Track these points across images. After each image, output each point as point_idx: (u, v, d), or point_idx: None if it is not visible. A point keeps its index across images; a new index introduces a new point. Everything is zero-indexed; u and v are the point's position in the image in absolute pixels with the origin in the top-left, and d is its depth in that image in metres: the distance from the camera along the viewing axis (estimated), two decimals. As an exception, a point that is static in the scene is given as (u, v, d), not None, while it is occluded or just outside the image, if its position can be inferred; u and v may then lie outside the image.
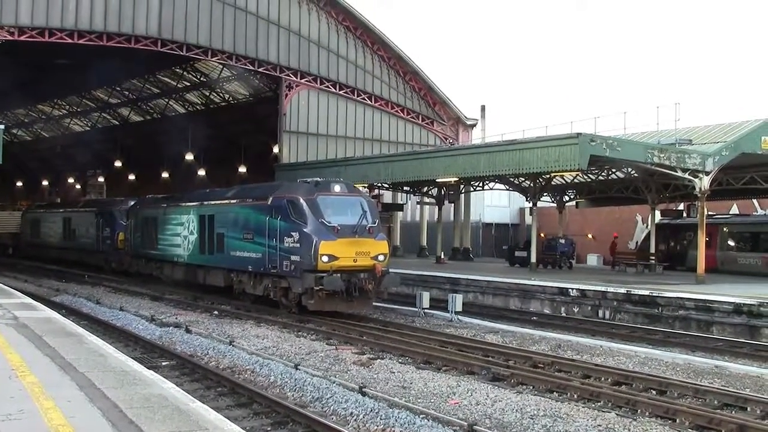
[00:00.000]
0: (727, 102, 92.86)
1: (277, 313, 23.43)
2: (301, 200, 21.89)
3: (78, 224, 44.91)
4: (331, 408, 11.96)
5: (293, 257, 21.52)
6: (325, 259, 20.87)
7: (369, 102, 42.46)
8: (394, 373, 14.89)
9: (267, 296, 23.71)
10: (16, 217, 60.13)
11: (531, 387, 13.86)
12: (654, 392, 13.57)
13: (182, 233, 29.33)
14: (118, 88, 57.24)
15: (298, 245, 21.40)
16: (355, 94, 42.09)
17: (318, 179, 23.34)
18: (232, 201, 26.12)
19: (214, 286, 27.41)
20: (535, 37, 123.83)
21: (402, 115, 43.43)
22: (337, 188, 22.55)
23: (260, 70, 40.09)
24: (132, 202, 38.02)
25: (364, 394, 12.64)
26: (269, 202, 23.04)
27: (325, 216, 21.45)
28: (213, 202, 27.79)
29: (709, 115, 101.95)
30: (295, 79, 40.28)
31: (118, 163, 65.07)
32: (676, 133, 30.09)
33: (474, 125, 46.46)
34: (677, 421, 11.60)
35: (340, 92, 41.65)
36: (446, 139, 44.48)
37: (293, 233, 21.60)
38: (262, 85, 47.18)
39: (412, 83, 43.69)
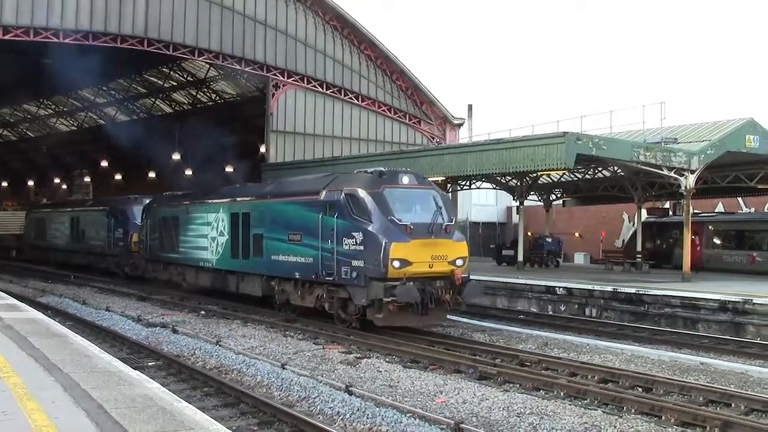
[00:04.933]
0: (713, 101, 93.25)
1: (264, 312, 23.33)
2: (365, 194, 18.49)
3: (87, 224, 41.38)
4: (318, 407, 11.97)
5: (355, 262, 18.13)
6: (396, 264, 17.52)
7: (356, 101, 42.43)
8: (380, 372, 14.91)
9: (318, 309, 20.49)
10: (19, 217, 56.64)
11: (518, 385, 13.91)
12: (640, 389, 13.65)
13: (209, 234, 26.12)
14: (104, 88, 56.99)
15: (361, 248, 18.03)
16: (343, 94, 42.03)
17: (381, 169, 20.01)
18: (273, 196, 22.75)
19: (248, 296, 24.20)
20: (522, 36, 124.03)
21: (389, 114, 43.42)
22: (405, 179, 19.23)
23: (247, 69, 39.98)
24: (147, 200, 34.93)
25: (350, 393, 12.65)
26: (322, 197, 19.68)
27: (394, 212, 18.14)
28: (248, 198, 24.29)
29: (694, 113, 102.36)
30: (282, 78, 40.20)
31: (104, 163, 64.80)
32: (662, 131, 30.21)
33: (461, 124, 46.50)
34: (663, 418, 11.67)
35: (328, 92, 41.58)
36: (433, 138, 44.50)
37: (355, 233, 18.24)
38: (249, 85, 47.08)
39: (399, 83, 43.68)
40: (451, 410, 11.96)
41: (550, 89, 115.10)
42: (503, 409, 12.04)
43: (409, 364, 15.89)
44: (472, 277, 19.69)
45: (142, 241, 32.83)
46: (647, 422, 11.53)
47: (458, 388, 13.41)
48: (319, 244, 19.42)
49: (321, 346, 17.90)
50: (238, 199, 24.96)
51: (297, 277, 20.81)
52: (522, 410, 11.94)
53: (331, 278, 19.06)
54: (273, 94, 40.11)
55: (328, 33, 41.40)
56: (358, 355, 16.80)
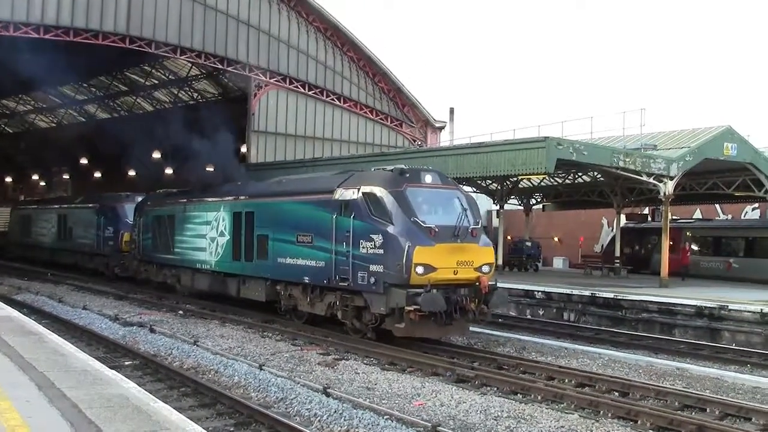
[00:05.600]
0: (692, 108, 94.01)
1: (242, 312, 23.22)
2: (385, 193, 17.10)
3: (75, 222, 39.76)
4: (295, 409, 11.93)
5: (374, 267, 16.70)
6: (420, 270, 16.17)
7: (338, 103, 42.42)
8: (358, 374, 14.89)
9: (329, 316, 19.23)
10: (3, 214, 55.14)
11: (495, 388, 13.94)
12: (617, 394, 13.71)
13: (208, 234, 24.57)
14: (85, 85, 56.61)
15: (381, 251, 16.61)
16: (325, 95, 42.01)
17: (402, 166, 18.49)
18: (281, 195, 21.24)
19: (250, 301, 22.70)
20: (505, 41, 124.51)
21: (371, 116, 43.44)
22: (428, 178, 17.87)
23: (229, 69, 39.89)
24: (140, 198, 33.62)
25: (328, 395, 12.63)
26: (336, 196, 18.23)
27: (417, 214, 16.77)
28: (253, 197, 22.83)
29: (674, 120, 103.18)
30: (264, 78, 40.12)
31: (84, 161, 64.36)
32: (642, 138, 30.41)
33: (442, 127, 46.61)
34: (639, 422, 11.73)
35: (310, 93, 41.55)
36: (415, 140, 44.57)
37: (374, 236, 16.80)
38: (231, 85, 46.95)
39: (381, 85, 43.71)
40: (428, 413, 11.96)
41: (532, 94, 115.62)
42: (480, 412, 12.05)
43: (386, 366, 15.87)
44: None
45: (133, 241, 31.35)
46: (623, 426, 11.60)
47: (436, 391, 13.42)
48: (332, 246, 18.00)
49: (299, 348, 17.84)
50: (242, 197, 23.39)
51: (306, 281, 19.36)
52: (499, 414, 11.96)
53: (345, 284, 17.62)
54: (255, 94, 40.06)
55: (311, 34, 41.38)
56: (336, 356, 16.76)
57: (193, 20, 37.61)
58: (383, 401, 12.64)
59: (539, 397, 13.25)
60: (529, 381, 14.17)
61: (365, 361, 16.32)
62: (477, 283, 17.00)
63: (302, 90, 41.30)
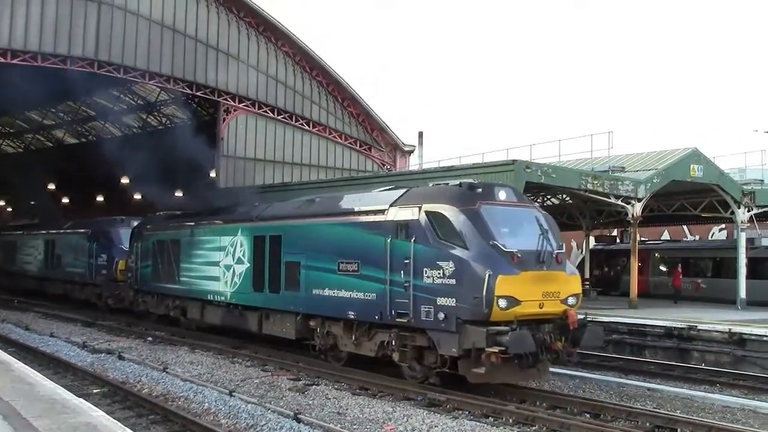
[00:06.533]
0: (659, 130, 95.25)
1: (211, 338, 23.03)
2: (455, 212, 14.77)
3: (64, 249, 37.20)
4: (266, 435, 11.84)
5: (442, 300, 14.35)
6: (502, 303, 13.83)
7: (307, 127, 42.39)
8: (329, 399, 14.82)
9: (380, 358, 16.68)
10: None
11: (467, 412, 13.92)
12: (588, 416, 13.75)
13: (222, 261, 22.01)
14: (53, 110, 56.16)
15: (452, 282, 14.26)
16: (294, 120, 41.96)
17: (470, 180, 16.28)
18: (316, 216, 18.58)
19: (275, 338, 20.26)
20: (471, 65, 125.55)
21: (340, 140, 43.45)
22: (502, 194, 15.53)
23: (198, 93, 39.73)
24: (136, 222, 31.12)
25: (299, 420, 12.56)
26: (390, 216, 15.88)
27: (496, 236, 14.51)
28: (279, 218, 20.13)
29: (641, 143, 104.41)
30: (233, 103, 40.02)
31: (51, 186, 63.70)
32: (610, 160, 30.72)
33: (411, 151, 46.72)
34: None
35: (279, 117, 41.48)
36: (384, 164, 44.62)
37: (442, 263, 14.45)
38: (200, 109, 46.81)
39: (350, 109, 43.78)
40: (400, 437, 11.92)
41: (500, 117, 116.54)
42: (452, 435, 12.03)
43: (358, 391, 15.82)
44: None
45: (130, 269, 28.82)
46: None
47: (407, 415, 13.38)
48: (386, 276, 15.61)
49: (270, 373, 17.74)
50: (265, 218, 20.76)
51: (351, 317, 16.85)
52: (471, 437, 11.94)
53: (404, 320, 15.21)
54: (224, 119, 39.92)
55: (281, 59, 41.40)
56: (307, 382, 16.68)
57: (162, 45, 37.46)
58: (355, 426, 12.59)
59: (511, 420, 13.27)
60: (500, 404, 14.17)
61: (336, 386, 16.25)
62: (564, 318, 14.66)
63: (271, 114, 41.23)
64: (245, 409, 13.37)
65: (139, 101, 50.07)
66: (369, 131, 44.53)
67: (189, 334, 24.04)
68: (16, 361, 14.59)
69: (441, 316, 14.36)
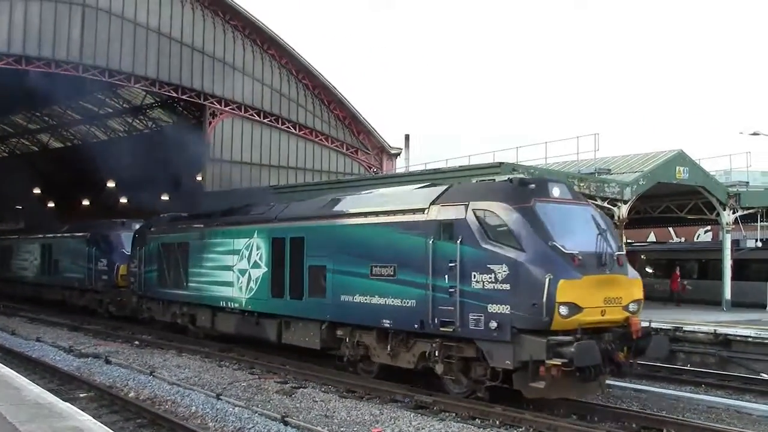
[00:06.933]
0: (645, 133, 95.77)
1: (199, 342, 22.96)
2: (508, 209, 13.64)
3: (61, 254, 35.75)
4: (254, 438, 11.84)
5: (494, 307, 13.17)
6: (564, 311, 12.72)
7: (294, 130, 42.40)
8: (317, 402, 14.81)
9: (419, 370, 15.50)
10: None
11: (454, 414, 13.93)
12: (575, 417, 13.80)
13: (237, 266, 20.71)
14: (37, 114, 55.91)
15: (506, 287, 13.06)
16: (280, 123, 41.97)
17: (521, 175, 15.19)
18: (346, 216, 17.18)
19: (297, 347, 18.93)
20: (458, 68, 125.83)
21: (326, 143, 43.49)
22: (556, 190, 14.34)
23: (184, 97, 39.68)
24: (137, 225, 29.74)
25: (286, 423, 12.57)
26: (432, 215, 14.68)
27: (555, 236, 13.34)
28: (301, 219, 18.72)
29: (627, 145, 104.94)
30: (219, 106, 39.99)
31: (37, 190, 63.40)
32: (596, 162, 30.84)
33: (398, 154, 46.80)
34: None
35: (265, 120, 41.48)
36: (370, 167, 44.69)
37: (494, 266, 13.26)
38: (185, 113, 46.71)
39: (336, 112, 43.83)
40: (387, 439, 11.94)
41: (486, 120, 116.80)
42: (439, 437, 12.06)
43: (345, 393, 15.81)
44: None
45: (133, 274, 27.33)
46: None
47: (394, 418, 13.39)
48: (427, 280, 14.40)
49: (257, 376, 17.71)
50: (285, 219, 19.34)
51: (387, 325, 15.55)
52: (458, 438, 11.97)
53: (449, 329, 13.98)
54: (210, 122, 39.90)
55: (267, 62, 41.42)
56: (294, 385, 16.66)
57: (148, 48, 37.40)
58: (342, 429, 12.60)
59: (497, 422, 13.28)
60: (487, 406, 14.20)
61: (323, 389, 16.25)
62: (625, 326, 13.55)
63: (257, 118, 41.23)
64: (232, 412, 13.38)
65: (124, 105, 49.92)
66: (355, 134, 44.61)
67: (176, 338, 23.95)
68: (2, 365, 14.53)
69: (493, 324, 13.13)
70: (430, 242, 14.38)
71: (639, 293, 14.08)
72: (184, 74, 38.78)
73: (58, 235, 37.56)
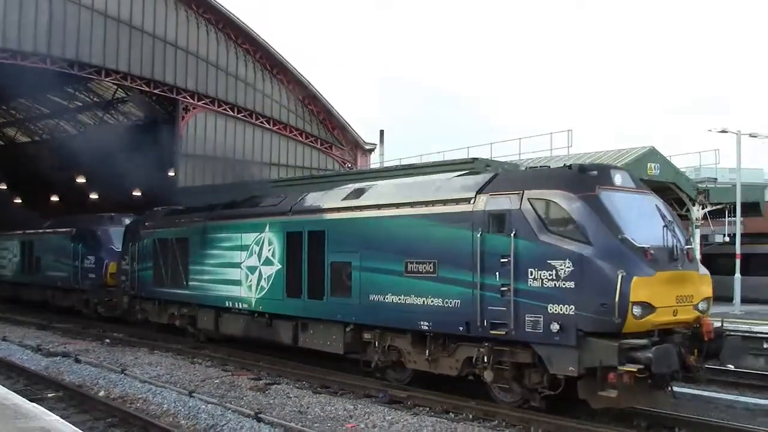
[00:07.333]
0: (617, 129, 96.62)
1: (172, 339, 22.75)
2: (572, 199, 12.28)
3: (44, 251, 33.72)
4: (226, 435, 11.73)
5: (555, 307, 11.92)
6: (637, 311, 11.50)
7: (268, 125, 42.13)
8: (290, 398, 14.75)
9: (464, 377, 14.34)
10: None
11: (428, 408, 13.91)
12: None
13: (245, 263, 19.08)
14: (3, 107, 55.15)
15: (570, 284, 11.79)
16: (254, 118, 41.68)
17: (576, 163, 13.62)
18: (375, 207, 15.61)
19: (315, 352, 17.57)
20: (432, 63, 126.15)
21: (301, 139, 43.27)
22: (618, 178, 13.04)
23: (156, 91, 39.25)
24: (128, 220, 28.11)
25: (259, 419, 12.47)
26: (480, 206, 13.33)
27: (624, 229, 12.05)
28: (320, 211, 17.10)
29: (599, 141, 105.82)
30: (192, 101, 39.62)
31: (2, 186, 62.56)
32: (569, 159, 30.93)
33: (372, 150, 46.71)
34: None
35: (239, 115, 41.18)
36: (345, 163, 44.55)
37: (556, 262, 11.97)
38: (158, 107, 46.30)
39: (311, 107, 43.62)
40: (361, 436, 11.88)
41: (461, 117, 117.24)
42: (413, 433, 12.03)
43: (319, 389, 15.75)
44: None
45: (124, 272, 25.54)
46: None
47: (368, 413, 13.35)
48: (474, 278, 13.09)
49: (230, 373, 17.58)
50: (302, 211, 17.68)
51: (425, 328, 14.16)
52: (432, 434, 11.95)
53: (501, 332, 12.66)
54: (183, 117, 39.53)
55: (240, 56, 41.09)
56: (268, 381, 16.56)
57: (119, 41, 36.88)
58: (316, 425, 12.52)
59: (470, 416, 13.27)
60: (461, 400, 14.17)
61: (297, 385, 16.16)
62: (697, 327, 12.41)
63: (231, 113, 40.92)
64: (205, 409, 13.26)
65: (94, 99, 49.37)
66: (330, 129, 44.44)
67: (148, 335, 23.70)
68: (-32, 364, 14.30)
69: (554, 327, 11.85)
70: (478, 236, 13.07)
71: (709, 291, 13.03)
72: (157, 68, 38.34)
73: (40, 231, 35.48)
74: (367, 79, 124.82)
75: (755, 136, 36.02)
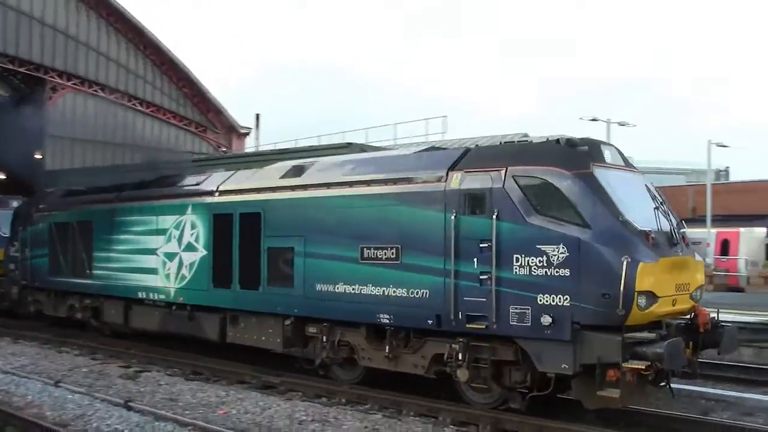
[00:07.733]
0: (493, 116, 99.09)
1: (38, 328, 22.02)
2: (566, 177, 10.87)
3: None
4: (94, 425, 11.54)
5: (547, 298, 10.63)
6: (642, 302, 10.29)
7: (140, 108, 41.19)
8: (161, 385, 14.60)
9: (430, 376, 12.69)
10: None
11: (300, 393, 14.03)
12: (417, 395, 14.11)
13: (161, 248, 17.04)
14: None
15: (564, 272, 10.49)
16: (127, 100, 40.67)
17: (566, 135, 12.31)
18: (324, 186, 13.83)
19: (245, 347, 15.81)
20: (314, 48, 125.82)
21: (174, 122, 42.50)
22: (608, 154, 11.63)
23: (21, 69, 37.73)
24: (16, 202, 25.40)
25: (129, 408, 12.33)
26: (451, 184, 11.85)
27: (623, 210, 10.72)
28: (255, 191, 15.17)
29: (475, 128, 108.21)
30: (60, 81, 38.28)
31: None
32: (445, 143, 31.60)
33: (248, 134, 46.44)
34: (440, 418, 12.11)
35: (111, 96, 40.08)
36: (219, 147, 44.07)
37: (547, 246, 10.63)
38: (23, 86, 44.46)
39: (185, 89, 42.90)
40: (233, 421, 11.89)
41: (339, 102, 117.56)
42: (286, 417, 12.11)
43: (191, 376, 15.64)
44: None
45: (13, 260, 23.23)
46: (425, 423, 11.98)
47: (240, 399, 13.35)
48: (447, 265, 11.65)
49: (99, 361, 17.24)
50: (232, 192, 15.73)
51: (385, 321, 12.67)
52: (304, 418, 12.06)
53: (480, 325, 11.31)
54: (51, 97, 38.14)
55: (112, 36, 40.02)
56: (139, 368, 16.32)
57: (-20, 17, 35.33)
58: (187, 412, 12.44)
59: (344, 400, 13.45)
60: (333, 385, 14.34)
61: (168, 372, 15.99)
62: (693, 317, 11.47)
63: (102, 94, 39.77)
64: (72, 399, 13.00)
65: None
66: (204, 112, 43.88)
67: (10, 324, 22.81)
68: None
69: (546, 320, 10.57)
70: (452, 218, 11.61)
71: (702, 278, 12.05)
72: (22, 45, 36.85)
73: None
74: (249, 63, 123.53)
75: (624, 125, 37.90)
